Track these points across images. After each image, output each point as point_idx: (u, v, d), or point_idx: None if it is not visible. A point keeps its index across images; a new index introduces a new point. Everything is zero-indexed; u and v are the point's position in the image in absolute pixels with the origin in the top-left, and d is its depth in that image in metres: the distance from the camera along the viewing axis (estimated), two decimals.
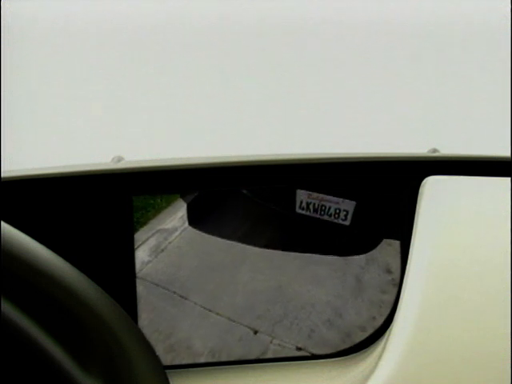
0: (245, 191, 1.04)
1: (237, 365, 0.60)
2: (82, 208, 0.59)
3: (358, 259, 0.95)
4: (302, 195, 0.98)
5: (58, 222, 0.59)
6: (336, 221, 0.94)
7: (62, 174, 0.58)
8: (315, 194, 0.96)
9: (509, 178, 0.54)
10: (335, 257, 0.97)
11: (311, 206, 0.96)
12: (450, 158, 0.61)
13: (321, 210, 0.95)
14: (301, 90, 0.79)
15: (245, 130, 0.75)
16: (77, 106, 0.77)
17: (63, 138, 0.74)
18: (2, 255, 0.30)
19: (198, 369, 0.60)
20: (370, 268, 0.93)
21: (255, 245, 1.00)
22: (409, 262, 0.52)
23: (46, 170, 0.58)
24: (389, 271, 0.91)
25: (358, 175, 0.63)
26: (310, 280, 0.96)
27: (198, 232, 1.09)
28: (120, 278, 0.61)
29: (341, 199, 0.94)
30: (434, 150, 0.62)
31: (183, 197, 1.09)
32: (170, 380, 0.41)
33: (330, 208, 0.94)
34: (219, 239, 1.03)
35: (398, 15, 0.83)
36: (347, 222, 0.93)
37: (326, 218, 0.95)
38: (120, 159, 0.60)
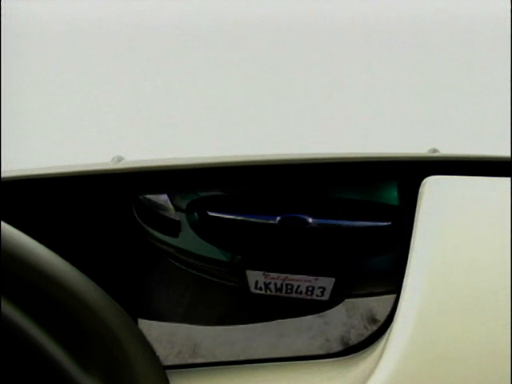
0: (177, 263, 0.82)
1: (237, 365, 0.60)
2: (82, 208, 0.59)
3: (338, 312, 0.77)
4: (255, 276, 0.78)
5: (58, 222, 0.59)
6: (310, 298, 0.77)
7: (61, 174, 0.58)
8: (274, 274, 0.77)
9: (509, 178, 0.54)
10: (309, 316, 0.77)
11: (272, 286, 0.78)
12: (450, 158, 0.61)
13: (287, 288, 0.77)
14: (301, 90, 0.79)
15: (245, 129, 0.75)
16: (77, 106, 0.77)
17: (63, 138, 0.74)
18: (2, 255, 0.30)
19: (198, 369, 0.60)
20: (354, 321, 0.75)
21: (206, 323, 0.77)
22: (409, 261, 0.52)
23: (46, 169, 0.58)
24: (374, 320, 0.73)
25: (358, 175, 0.63)
26: None
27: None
28: (120, 278, 0.61)
29: (313, 277, 0.76)
30: (434, 150, 0.62)
31: None
32: (170, 380, 0.41)
33: (299, 286, 0.77)
34: (156, 323, 0.78)
35: (397, 14, 0.83)
36: (325, 298, 0.77)
37: (295, 295, 0.77)
38: (120, 159, 0.60)
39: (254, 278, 0.78)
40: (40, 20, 0.84)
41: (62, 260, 0.34)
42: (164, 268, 0.81)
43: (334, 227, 0.77)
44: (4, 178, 0.56)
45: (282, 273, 0.76)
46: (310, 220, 0.76)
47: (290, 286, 0.77)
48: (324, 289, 0.76)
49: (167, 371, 0.41)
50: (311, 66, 0.81)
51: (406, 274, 0.51)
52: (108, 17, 0.83)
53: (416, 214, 0.54)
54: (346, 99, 0.79)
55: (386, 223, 0.76)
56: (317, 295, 0.76)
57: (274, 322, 0.76)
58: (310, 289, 0.77)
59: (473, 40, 0.81)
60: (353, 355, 0.60)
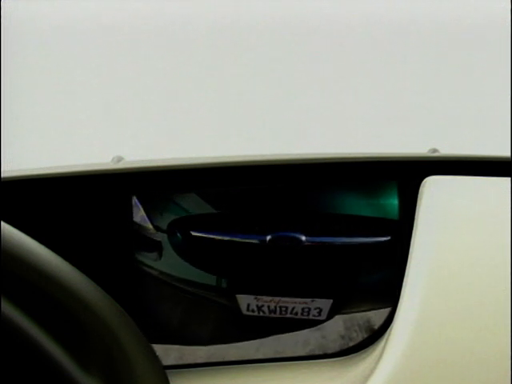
0: (168, 281, 0.76)
1: (237, 365, 0.60)
2: (81, 208, 0.59)
3: (335, 324, 0.73)
4: (246, 299, 0.73)
5: (58, 222, 0.59)
6: (306, 317, 0.73)
7: (61, 174, 0.58)
8: (267, 297, 0.72)
9: (509, 178, 0.54)
10: (305, 330, 0.73)
11: (265, 308, 0.73)
12: (450, 158, 0.61)
13: (281, 310, 0.73)
14: (300, 90, 0.79)
15: (245, 129, 0.75)
16: (77, 106, 0.77)
17: (63, 138, 0.74)
18: (2, 255, 0.30)
19: (198, 369, 0.60)
20: (352, 333, 0.71)
21: (197, 343, 0.72)
22: (409, 262, 0.52)
23: (46, 169, 0.58)
24: (373, 330, 0.69)
25: (357, 175, 0.63)
26: None
27: None
28: (120, 278, 0.61)
29: (309, 299, 0.71)
30: (434, 150, 0.62)
31: None
32: (170, 380, 0.41)
33: (294, 308, 0.72)
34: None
35: (396, 14, 0.83)
36: (322, 317, 0.72)
37: (290, 316, 0.73)
38: (120, 159, 0.60)
39: (246, 301, 0.73)
40: (40, 20, 0.84)
41: (62, 260, 0.34)
42: (151, 284, 0.75)
43: (330, 245, 0.72)
44: (4, 178, 0.56)
45: (274, 296, 0.72)
46: (304, 238, 0.71)
47: (284, 308, 0.72)
48: (321, 309, 0.72)
49: (167, 371, 0.41)
50: (311, 65, 0.81)
51: (406, 275, 0.51)
52: (109, 16, 0.83)
53: (416, 215, 0.54)
54: (345, 98, 0.79)
55: (385, 238, 0.72)
56: (313, 315, 0.72)
57: (270, 338, 0.70)
58: (306, 310, 0.72)
59: (472, 40, 0.81)
60: (352, 355, 0.60)
